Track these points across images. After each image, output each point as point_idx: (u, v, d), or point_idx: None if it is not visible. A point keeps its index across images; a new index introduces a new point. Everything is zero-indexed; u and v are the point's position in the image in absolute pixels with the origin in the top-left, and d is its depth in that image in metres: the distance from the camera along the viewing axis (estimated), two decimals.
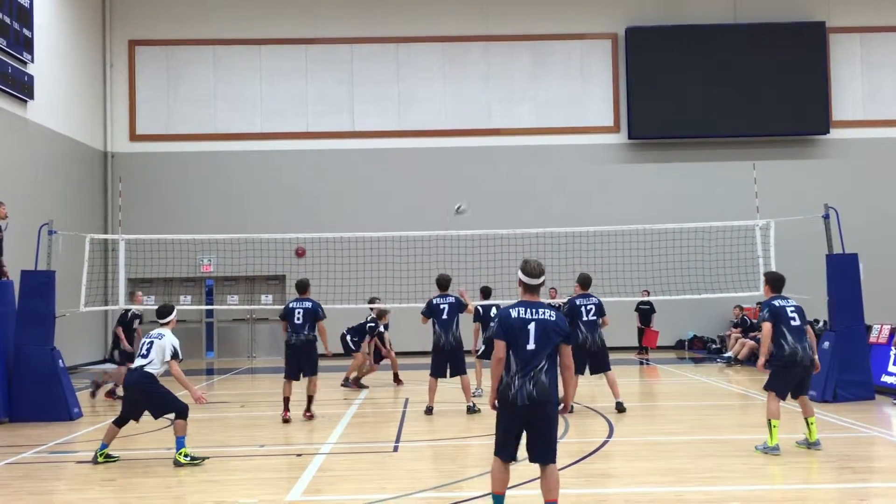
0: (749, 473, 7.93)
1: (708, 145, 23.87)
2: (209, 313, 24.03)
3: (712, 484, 7.48)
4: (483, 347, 13.74)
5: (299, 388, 12.15)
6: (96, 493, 7.74)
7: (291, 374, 11.87)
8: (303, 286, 12.26)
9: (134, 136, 23.76)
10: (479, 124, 23.95)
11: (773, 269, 14.57)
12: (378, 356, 16.25)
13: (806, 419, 8.92)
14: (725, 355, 19.84)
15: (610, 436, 10.00)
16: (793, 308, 9.01)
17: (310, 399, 11.92)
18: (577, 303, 12.00)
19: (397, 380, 16.14)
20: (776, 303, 9.03)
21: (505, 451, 6.04)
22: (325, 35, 23.88)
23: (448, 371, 12.11)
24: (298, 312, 11.92)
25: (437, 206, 23.01)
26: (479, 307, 14.09)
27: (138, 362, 8.95)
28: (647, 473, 8.14)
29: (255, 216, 22.41)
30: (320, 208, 23.06)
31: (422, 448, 9.77)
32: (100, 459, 8.87)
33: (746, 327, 19.98)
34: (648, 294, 20.31)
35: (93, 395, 14.54)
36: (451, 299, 12.23)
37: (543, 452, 5.95)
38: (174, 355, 8.94)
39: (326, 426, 11.21)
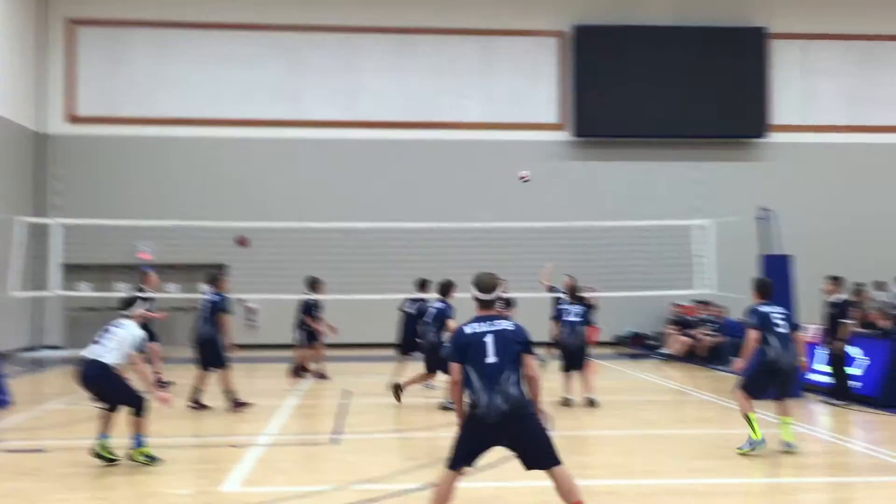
0: (680, 468, 8.11)
1: (651, 145, 24.25)
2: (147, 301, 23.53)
3: (645, 478, 7.62)
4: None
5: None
6: (24, 483, 7.55)
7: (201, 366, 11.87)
8: (211, 279, 12.23)
9: (71, 118, 23.13)
10: (428, 117, 23.93)
11: (712, 268, 14.95)
12: (312, 337, 15.21)
13: (782, 419, 8.88)
14: (662, 351, 20.22)
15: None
16: (779, 314, 8.93)
17: (225, 394, 11.59)
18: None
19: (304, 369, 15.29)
20: (763, 309, 8.94)
21: (461, 463, 5.85)
22: (274, 22, 23.56)
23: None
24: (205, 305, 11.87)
25: (383, 198, 22.97)
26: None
27: (92, 351, 8.19)
28: (582, 467, 8.25)
29: (198, 204, 22.02)
30: (265, 197, 22.77)
31: (362, 441, 9.75)
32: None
33: (683, 324, 20.39)
34: (594, 290, 20.57)
35: None
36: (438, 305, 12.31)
37: (544, 459, 5.78)
38: (138, 348, 8.27)
39: (265, 417, 11.10)
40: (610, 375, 16.30)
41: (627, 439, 9.68)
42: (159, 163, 23.06)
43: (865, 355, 12.71)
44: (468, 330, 5.84)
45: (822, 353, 13.65)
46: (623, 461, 8.42)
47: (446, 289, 12.47)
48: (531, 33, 24.19)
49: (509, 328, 5.84)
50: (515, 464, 8.22)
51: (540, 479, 7.59)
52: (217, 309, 11.90)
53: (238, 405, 11.55)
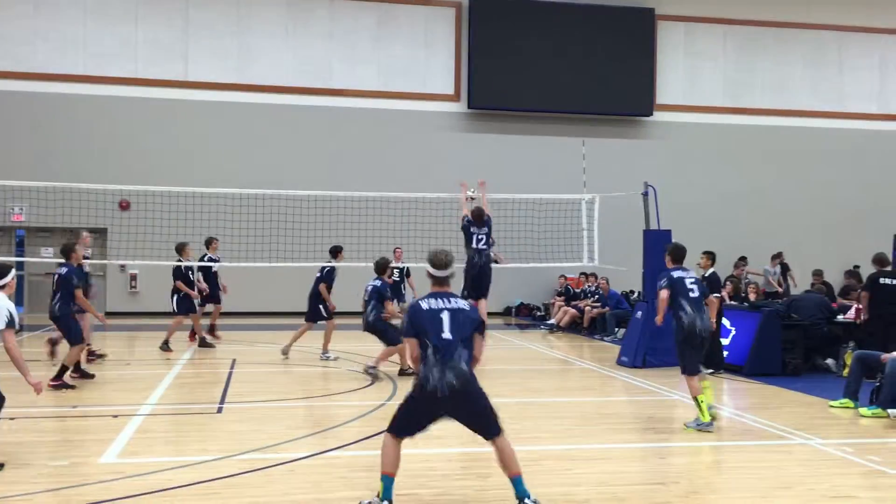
0: (563, 434, 8.40)
1: (543, 119, 24.66)
2: (19, 266, 22.37)
3: (531, 444, 7.84)
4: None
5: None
6: None
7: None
8: (65, 250, 11.55)
9: None
10: (322, 83, 23.53)
11: (596, 241, 15.41)
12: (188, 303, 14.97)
13: (694, 399, 8.88)
14: (549, 322, 20.75)
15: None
16: (692, 280, 9.15)
17: (63, 368, 10.82)
18: None
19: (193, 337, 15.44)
20: (675, 273, 9.13)
21: (406, 432, 5.93)
22: None
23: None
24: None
25: (273, 164, 22.51)
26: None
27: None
28: (470, 434, 8.41)
29: (76, 164, 20.99)
30: (149, 160, 21.93)
31: (247, 409, 9.62)
32: None
33: (569, 296, 20.97)
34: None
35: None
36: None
37: (488, 428, 5.90)
38: (9, 324, 7.37)
39: (146, 387, 10.80)
40: (499, 345, 16.63)
41: (514, 406, 9.92)
42: (33, 120, 21.83)
43: (733, 326, 13.42)
44: (424, 305, 5.90)
45: None
46: (510, 428, 8.62)
47: (382, 268, 12.25)
48: (428, 2, 24.07)
49: (465, 307, 5.95)
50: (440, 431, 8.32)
51: (425, 447, 7.72)
52: (66, 282, 11.07)
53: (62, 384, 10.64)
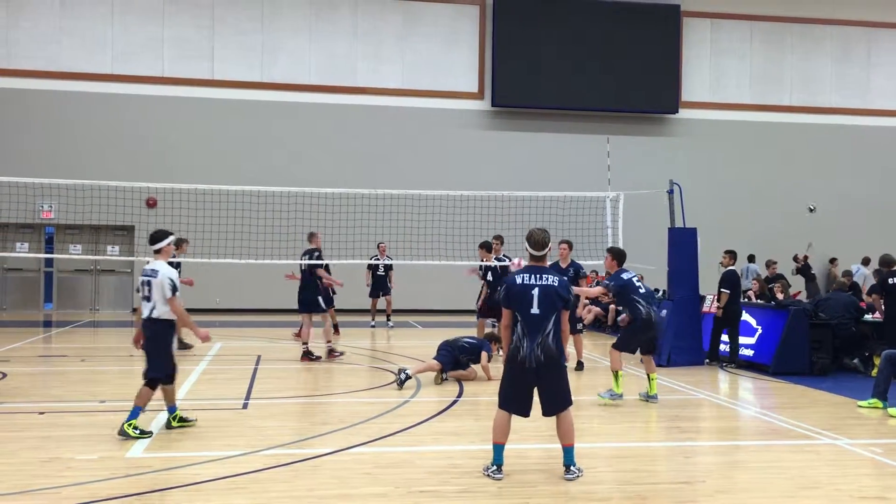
0: (586, 431, 8.36)
1: (567, 117, 24.57)
2: (48, 262, 22.71)
3: (552, 441, 7.82)
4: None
5: None
6: None
7: None
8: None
9: None
10: (345, 82, 23.63)
11: (621, 239, 15.32)
12: None
13: (648, 375, 9.98)
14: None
15: (459, 396, 10.26)
16: (637, 277, 10.05)
17: None
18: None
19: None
20: (623, 276, 9.99)
21: (513, 405, 6.46)
22: None
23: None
24: None
25: (297, 161, 22.62)
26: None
27: (144, 309, 7.99)
28: (484, 431, 8.43)
29: (104, 162, 21.25)
30: (175, 157, 22.16)
31: (272, 405, 9.69)
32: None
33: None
34: (509, 259, 20.82)
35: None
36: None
37: (554, 405, 6.47)
38: (173, 289, 7.93)
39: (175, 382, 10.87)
40: None
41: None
42: (63, 119, 22.15)
43: (759, 324, 13.31)
44: (518, 280, 6.43)
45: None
46: (531, 426, 8.62)
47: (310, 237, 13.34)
48: (452, 1, 24.06)
49: (554, 283, 6.42)
50: (427, 428, 8.35)
51: (450, 444, 7.72)
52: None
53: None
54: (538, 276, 6.43)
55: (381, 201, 18.06)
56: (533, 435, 7.75)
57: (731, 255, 13.70)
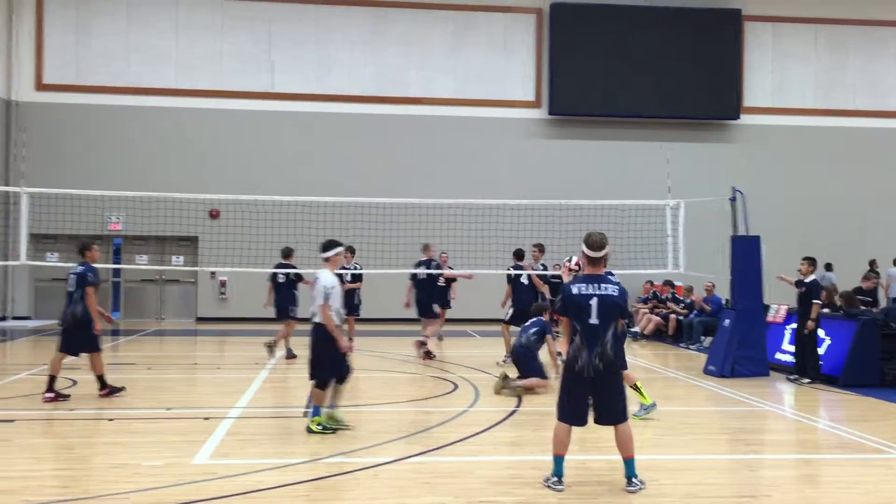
0: (647, 443, 8.24)
1: (625, 124, 24.34)
2: (116, 273, 23.35)
3: (610, 453, 7.73)
4: (510, 312, 14.10)
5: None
6: None
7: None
8: (81, 248, 10.89)
9: (40, 86, 22.73)
10: (399, 92, 23.80)
11: (682, 247, 15.08)
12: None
13: (634, 386, 9.42)
14: (633, 330, 20.41)
15: (518, 405, 10.21)
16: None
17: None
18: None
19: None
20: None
21: (570, 416, 6.44)
22: None
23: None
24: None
25: (354, 173, 22.86)
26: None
27: (313, 313, 8.32)
28: (550, 442, 8.36)
29: (168, 174, 21.77)
30: (235, 169, 22.59)
31: None
32: (326, 424, 8.25)
33: (654, 303, 20.55)
34: (544, 268, 20.66)
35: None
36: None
37: (611, 416, 6.43)
38: (325, 298, 8.12)
39: (236, 390, 11.08)
40: None
41: None
42: (128, 132, 22.77)
43: (828, 335, 12.95)
44: (575, 290, 6.42)
45: (790, 333, 13.88)
46: (593, 437, 8.53)
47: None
48: (507, 9, 24.08)
49: (613, 293, 6.41)
50: (486, 438, 8.32)
51: (509, 455, 7.68)
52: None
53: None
54: (596, 285, 6.40)
55: (436, 211, 18.10)
56: (594, 446, 7.67)
57: (811, 262, 12.91)
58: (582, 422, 6.48)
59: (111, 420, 8.92)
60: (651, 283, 21.44)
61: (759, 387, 11.97)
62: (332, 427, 8.27)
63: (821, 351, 12.76)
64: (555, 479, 6.44)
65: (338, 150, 23.21)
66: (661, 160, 16.36)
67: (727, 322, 13.44)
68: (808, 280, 12.53)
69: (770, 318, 14.30)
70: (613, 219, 18.71)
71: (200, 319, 23.04)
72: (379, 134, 23.42)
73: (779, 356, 13.96)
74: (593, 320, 6.31)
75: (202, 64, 23.19)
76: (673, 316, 19.22)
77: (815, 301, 12.34)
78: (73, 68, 22.81)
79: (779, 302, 14.84)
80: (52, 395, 9.90)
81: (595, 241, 6.51)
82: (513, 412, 9.76)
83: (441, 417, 9.33)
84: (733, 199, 13.99)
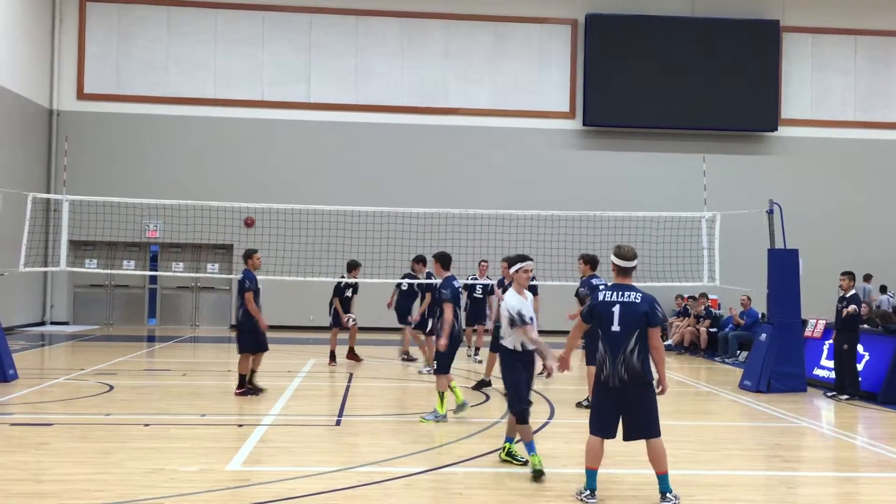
0: (682, 458, 8.13)
1: (660, 136, 24.18)
2: (153, 279, 23.66)
3: (646, 467, 7.64)
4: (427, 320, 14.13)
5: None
6: (30, 456, 7.61)
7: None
8: (244, 255, 12.26)
9: (82, 95, 23.16)
10: (437, 103, 23.88)
11: (717, 260, 14.92)
12: (336, 321, 15.20)
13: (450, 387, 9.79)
14: (667, 343, 20.21)
15: (550, 417, 10.16)
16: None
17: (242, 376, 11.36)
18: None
19: (353, 355, 15.40)
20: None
21: (599, 429, 6.40)
22: (284, 3, 23.50)
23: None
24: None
25: (390, 182, 22.96)
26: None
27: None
28: (581, 455, 8.30)
29: (205, 183, 22.05)
30: (272, 178, 22.80)
31: (365, 423, 9.80)
32: (503, 457, 7.56)
33: (686, 316, 20.31)
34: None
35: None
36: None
37: (638, 430, 6.35)
38: (512, 321, 7.28)
39: (269, 398, 11.16)
40: None
41: None
42: (167, 141, 23.10)
43: (866, 350, 12.71)
44: (601, 297, 6.48)
45: (827, 349, 13.66)
46: (625, 450, 8.45)
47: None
48: (543, 20, 24.08)
49: (636, 301, 6.38)
50: (518, 450, 8.28)
51: (577, 468, 7.63)
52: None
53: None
54: (621, 293, 6.42)
55: (470, 221, 18.09)
56: (627, 459, 7.60)
57: (850, 276, 12.50)
58: (608, 434, 6.40)
59: (147, 426, 9.02)
60: (681, 296, 21.20)
61: (796, 403, 11.78)
62: (525, 461, 7.41)
63: (860, 367, 12.53)
64: (588, 492, 6.40)
65: (374, 160, 23.32)
66: (697, 172, 16.20)
67: (763, 336, 13.25)
68: (848, 295, 12.28)
69: (808, 332, 14.08)
70: (649, 231, 18.59)
71: (234, 327, 23.23)
72: (415, 144, 23.51)
73: (817, 371, 13.73)
74: (615, 327, 6.30)
75: (240, 74, 23.46)
76: (703, 329, 18.99)
77: (845, 309, 12.01)
78: (114, 78, 23.21)
79: (817, 316, 14.60)
80: (241, 390, 11.13)
81: (626, 252, 6.58)
82: (545, 424, 9.71)
83: (471, 428, 9.31)
84: (770, 212, 13.81)
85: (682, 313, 20.79)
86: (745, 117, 24.04)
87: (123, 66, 23.23)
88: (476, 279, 15.91)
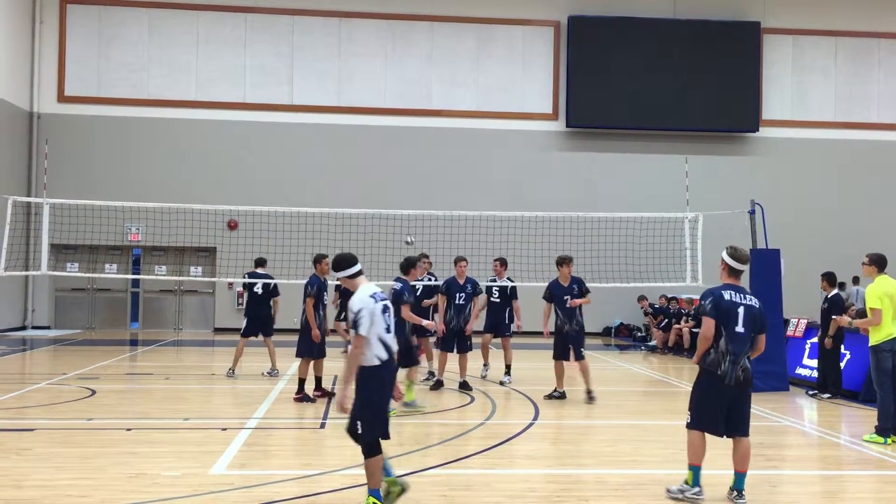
0: (667, 458, 8.16)
1: (643, 137, 24.29)
2: (135, 283, 23.51)
3: (631, 467, 7.68)
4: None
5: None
6: (11, 462, 7.53)
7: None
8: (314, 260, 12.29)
9: (62, 98, 22.99)
10: (420, 105, 23.88)
11: (700, 260, 14.98)
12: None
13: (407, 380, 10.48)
14: (650, 343, 20.31)
15: (535, 418, 10.17)
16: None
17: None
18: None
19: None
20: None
21: (707, 424, 6.44)
22: (266, 5, 23.44)
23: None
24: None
25: (373, 184, 22.93)
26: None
27: None
28: (570, 456, 8.33)
29: (187, 186, 21.93)
30: (255, 181, 22.72)
31: None
32: None
33: (669, 315, 20.40)
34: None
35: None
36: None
37: (742, 426, 6.46)
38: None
39: (253, 401, 11.11)
40: (598, 366, 16.34)
41: (614, 429, 9.74)
42: (149, 144, 22.96)
43: (847, 349, 12.81)
44: (726, 296, 6.50)
45: (809, 349, 13.77)
46: (610, 450, 8.48)
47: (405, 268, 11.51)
48: (526, 22, 24.15)
49: (755, 305, 6.56)
50: (503, 451, 8.29)
51: (526, 468, 7.64)
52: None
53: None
54: (742, 295, 6.54)
55: (454, 223, 18.12)
56: (612, 460, 7.61)
57: (829, 277, 12.68)
58: (719, 431, 6.44)
59: (129, 430, 8.95)
60: (665, 297, 21.31)
61: (779, 402, 11.86)
62: None
63: (841, 366, 12.63)
64: (697, 488, 6.42)
65: (357, 162, 23.29)
66: (679, 173, 16.30)
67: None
68: (830, 296, 12.41)
69: (790, 332, 14.17)
70: (632, 232, 18.70)
71: (218, 330, 23.14)
72: (398, 146, 23.49)
73: (799, 370, 13.83)
74: (740, 328, 6.39)
75: (222, 76, 23.37)
76: (686, 329, 19.09)
77: (834, 317, 12.19)
78: (95, 80, 23.05)
79: (798, 316, 14.71)
80: (299, 395, 11.12)
81: (742, 255, 6.69)
82: (530, 425, 9.72)
83: (457, 430, 9.31)
84: (752, 212, 13.91)
85: (660, 313, 20.86)
86: (726, 118, 24.20)
87: (104, 68, 23.08)
88: (495, 280, 15.34)
